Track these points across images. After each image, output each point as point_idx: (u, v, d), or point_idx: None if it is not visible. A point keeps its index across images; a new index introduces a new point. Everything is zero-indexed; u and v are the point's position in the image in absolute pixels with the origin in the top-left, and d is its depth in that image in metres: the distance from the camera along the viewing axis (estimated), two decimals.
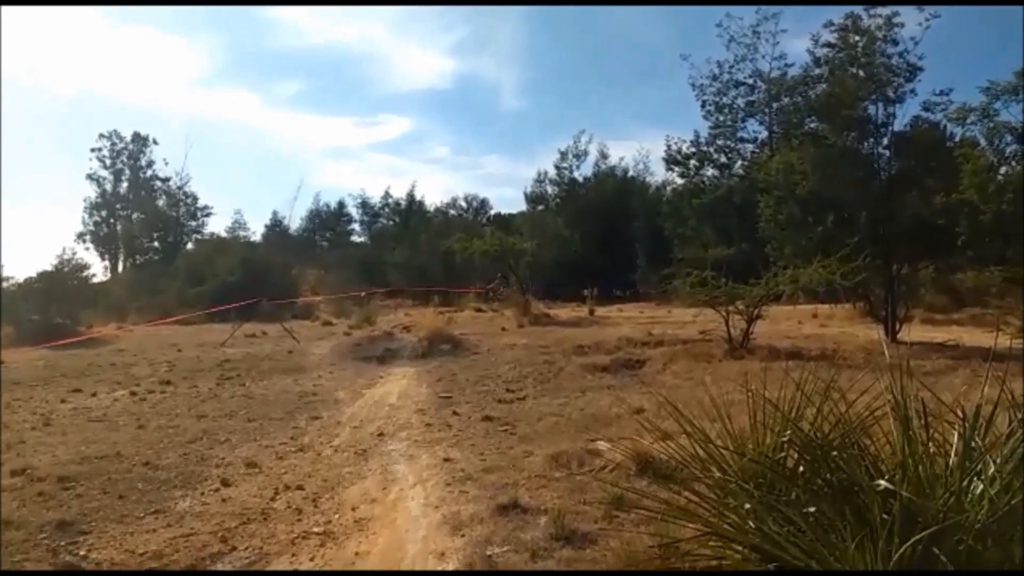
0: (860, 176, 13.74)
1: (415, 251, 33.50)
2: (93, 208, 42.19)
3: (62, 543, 5.03)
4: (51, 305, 18.43)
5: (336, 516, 5.19)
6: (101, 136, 42.27)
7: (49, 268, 19.62)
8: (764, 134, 32.88)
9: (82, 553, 4.92)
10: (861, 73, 13.82)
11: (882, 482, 2.36)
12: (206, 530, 5.09)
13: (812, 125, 14.84)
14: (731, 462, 3.00)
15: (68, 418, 8.58)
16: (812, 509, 2.47)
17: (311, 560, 4.48)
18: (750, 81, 33.05)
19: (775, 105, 28.22)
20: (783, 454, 2.87)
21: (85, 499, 5.76)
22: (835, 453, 2.64)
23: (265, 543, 4.85)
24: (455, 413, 7.97)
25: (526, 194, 39.04)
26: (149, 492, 5.90)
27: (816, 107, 14.56)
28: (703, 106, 33.67)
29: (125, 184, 42.73)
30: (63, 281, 19.53)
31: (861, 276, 11.12)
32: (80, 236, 41.33)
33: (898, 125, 13.77)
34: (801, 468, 2.72)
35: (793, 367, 4.08)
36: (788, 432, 2.83)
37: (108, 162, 42.37)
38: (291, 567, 4.43)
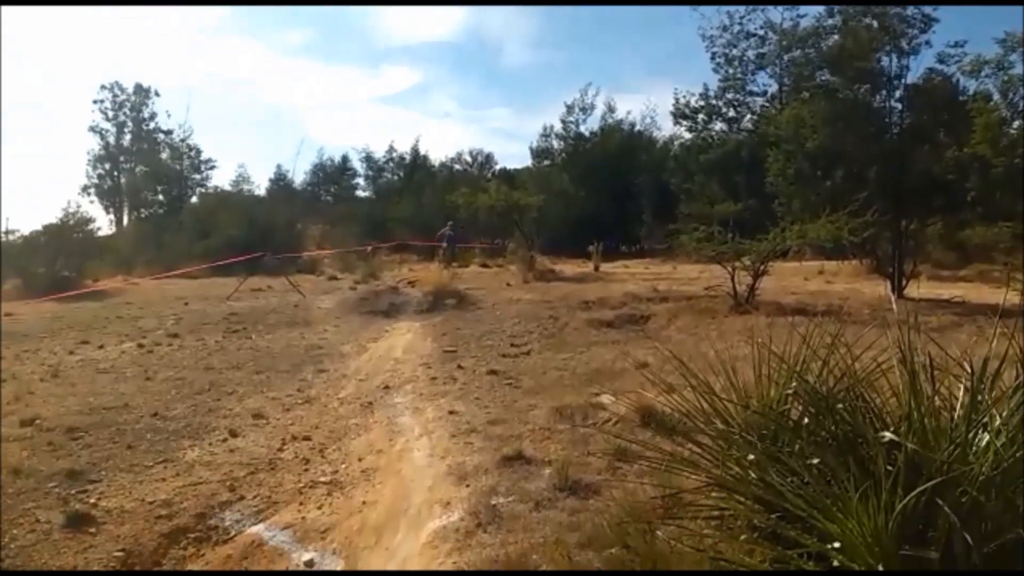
0: (871, 130, 13.53)
1: (420, 206, 33.33)
2: (96, 161, 41.86)
3: (72, 491, 5.12)
4: (57, 258, 18.46)
5: (343, 466, 5.26)
6: (103, 87, 41.74)
7: (54, 221, 19.62)
8: (774, 87, 32.36)
9: (92, 501, 5.01)
10: (875, 24, 13.50)
11: (887, 434, 2.36)
12: (215, 479, 5.18)
13: (823, 78, 14.55)
14: (735, 414, 3.00)
15: (76, 369, 8.66)
16: (815, 460, 2.47)
17: (319, 508, 4.56)
18: (761, 32, 32.37)
19: (786, 57, 27.66)
20: (787, 407, 2.87)
21: (94, 449, 5.85)
22: (840, 405, 2.64)
23: (273, 492, 4.94)
24: (460, 367, 7.99)
25: (531, 149, 38.59)
26: (158, 442, 5.99)
27: (828, 59, 14.25)
28: (712, 58, 33.08)
29: (128, 136, 42.37)
30: (68, 234, 19.52)
31: (869, 232, 11.02)
32: (84, 189, 41.12)
33: (911, 78, 13.53)
34: (806, 420, 2.73)
35: (798, 322, 4.06)
36: (793, 385, 2.82)
37: (110, 114, 41.87)
38: (299, 515, 4.51)
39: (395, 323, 11.73)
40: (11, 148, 52.53)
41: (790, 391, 2.83)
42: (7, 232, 22.80)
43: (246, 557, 4.27)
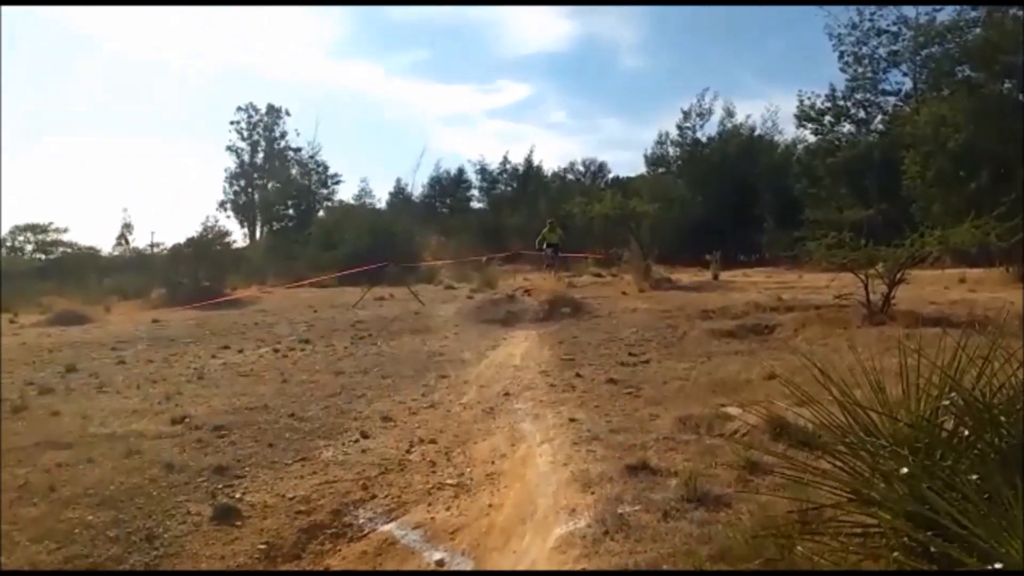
0: (1019, 127, 12.55)
1: (533, 216, 33.57)
2: (232, 178, 44.89)
3: (219, 486, 5.48)
4: (199, 269, 19.87)
5: (468, 469, 5.37)
6: (239, 109, 44.77)
7: (195, 235, 21.17)
8: (908, 85, 30.44)
9: (237, 496, 5.34)
10: (1021, 15, 12.54)
11: None
12: (348, 478, 5.41)
13: (965, 74, 13.64)
14: (881, 427, 2.86)
15: (219, 372, 9.29)
16: (975, 476, 2.32)
17: (447, 509, 4.68)
18: (894, 28, 30.51)
19: (923, 53, 25.97)
20: (941, 419, 2.70)
21: (238, 446, 6.25)
22: (1003, 418, 2.46)
23: (403, 492, 5.11)
24: (578, 375, 7.98)
25: (646, 156, 38.07)
26: (295, 441, 6.32)
27: (970, 54, 13.36)
28: (840, 57, 31.35)
29: (261, 155, 45.16)
30: (208, 247, 21.01)
31: (1019, 236, 10.18)
32: (222, 204, 44.18)
33: None
34: (966, 433, 2.56)
35: (941, 334, 3.81)
36: (952, 395, 2.65)
37: (245, 134, 44.85)
38: (428, 516, 4.64)
39: (512, 331, 11.86)
40: (157, 168, 57.26)
41: (947, 402, 2.66)
42: (153, 245, 24.89)
43: (379, 554, 4.43)
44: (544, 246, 20.49)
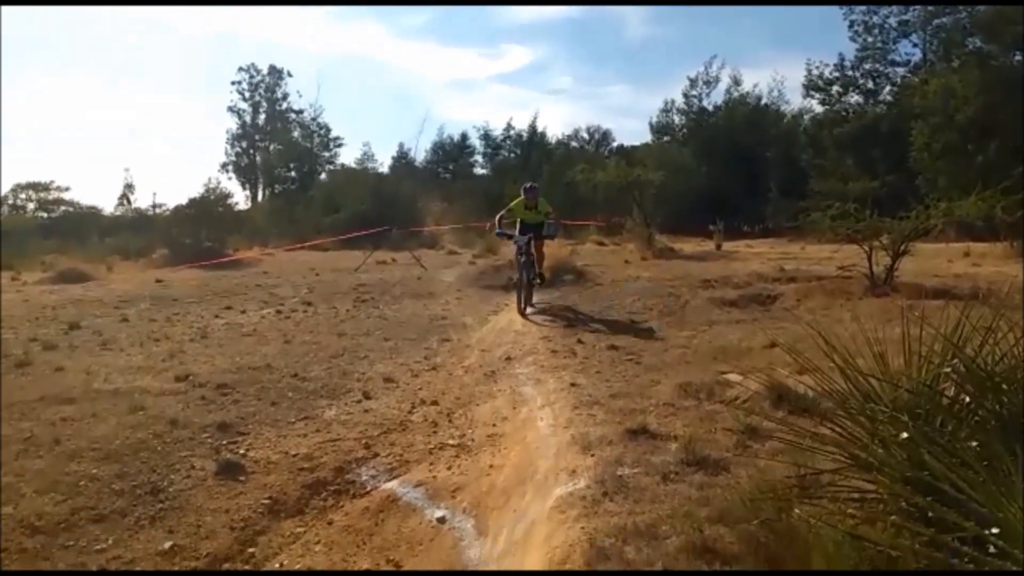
0: None
1: (536, 183, 33.38)
2: (234, 139, 44.72)
3: (223, 442, 5.55)
4: (201, 230, 19.86)
5: (469, 430, 5.42)
6: (240, 69, 44.40)
7: (198, 196, 21.11)
8: (918, 56, 30.11)
9: (241, 452, 5.41)
10: None
11: None
12: (351, 437, 5.48)
13: (976, 45, 13.44)
14: (882, 394, 2.87)
15: (222, 332, 9.33)
16: (975, 443, 2.34)
17: (448, 469, 4.73)
18: None
19: (933, 23, 25.59)
20: (943, 386, 2.72)
21: (242, 404, 6.31)
22: (1004, 386, 2.48)
23: (405, 451, 5.17)
24: (580, 341, 7.98)
25: (651, 124, 37.90)
26: (298, 400, 6.38)
27: (981, 24, 13.13)
28: (850, 26, 31.07)
29: (263, 116, 44.89)
30: (210, 208, 20.95)
31: None
32: (223, 166, 44.08)
33: None
34: (967, 399, 2.57)
35: (943, 306, 3.81)
36: (952, 362, 2.66)
37: (247, 95, 44.56)
38: (430, 474, 4.70)
39: (514, 297, 11.84)
40: (160, 129, 56.93)
41: (948, 369, 2.67)
42: (155, 205, 24.89)
43: (381, 511, 4.50)
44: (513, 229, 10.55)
